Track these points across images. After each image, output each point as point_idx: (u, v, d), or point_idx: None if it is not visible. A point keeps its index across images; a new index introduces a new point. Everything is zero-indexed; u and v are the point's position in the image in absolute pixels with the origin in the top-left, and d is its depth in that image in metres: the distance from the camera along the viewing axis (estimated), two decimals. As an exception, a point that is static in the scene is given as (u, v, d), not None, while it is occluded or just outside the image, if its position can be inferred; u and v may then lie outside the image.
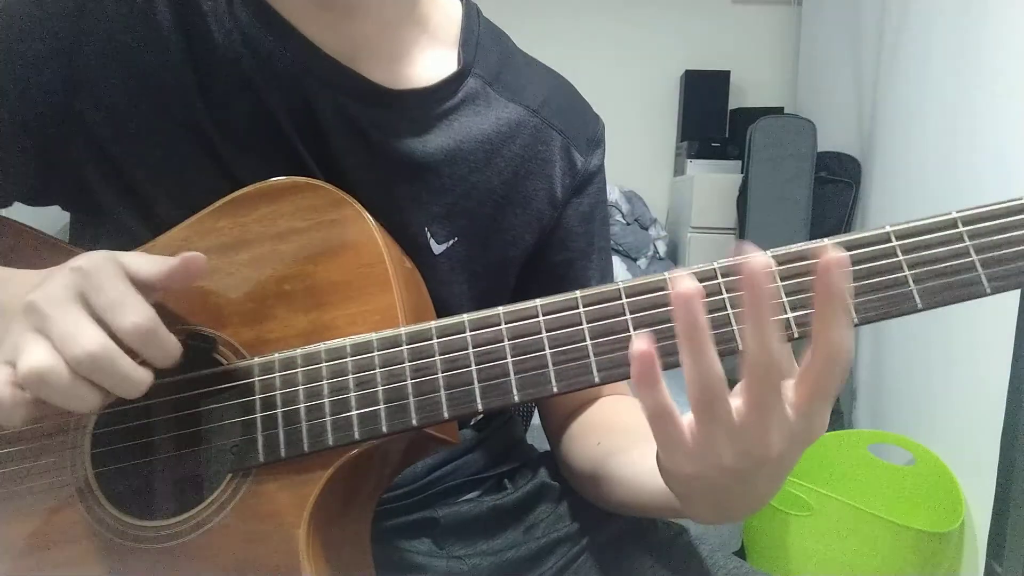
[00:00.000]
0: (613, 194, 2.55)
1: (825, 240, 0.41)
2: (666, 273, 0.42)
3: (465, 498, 0.65)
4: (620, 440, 0.58)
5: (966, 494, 1.44)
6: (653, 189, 2.77)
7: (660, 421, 0.38)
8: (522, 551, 0.62)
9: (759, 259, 0.34)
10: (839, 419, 1.96)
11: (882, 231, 0.40)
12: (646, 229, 2.56)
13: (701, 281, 0.41)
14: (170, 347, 0.42)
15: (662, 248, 2.57)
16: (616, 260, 2.43)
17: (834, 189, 2.13)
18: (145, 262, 0.43)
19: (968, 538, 1.44)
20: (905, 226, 0.40)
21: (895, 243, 0.40)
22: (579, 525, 0.64)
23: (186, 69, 0.53)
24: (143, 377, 0.41)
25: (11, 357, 0.40)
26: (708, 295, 0.40)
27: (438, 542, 0.62)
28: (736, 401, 0.37)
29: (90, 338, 0.39)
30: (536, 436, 0.74)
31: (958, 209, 0.40)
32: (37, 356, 0.39)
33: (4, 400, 0.39)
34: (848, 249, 0.40)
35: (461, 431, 0.66)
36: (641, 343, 0.35)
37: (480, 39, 0.62)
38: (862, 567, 1.42)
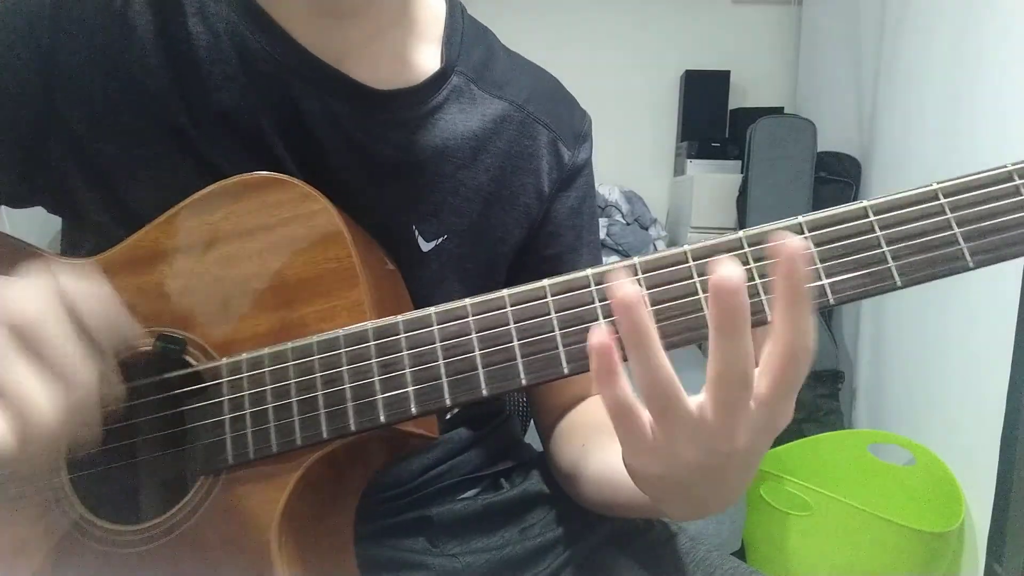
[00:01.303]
0: (613, 194, 2.54)
1: (798, 217, 0.39)
2: (635, 258, 0.41)
3: (461, 497, 0.65)
4: (601, 439, 0.58)
5: (966, 494, 1.44)
6: (653, 189, 2.77)
7: (621, 417, 0.37)
8: (517, 550, 0.62)
9: (732, 270, 0.32)
10: (839, 419, 1.96)
11: (859, 206, 0.39)
12: (646, 229, 2.56)
13: (671, 266, 0.40)
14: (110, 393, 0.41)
15: (662, 248, 2.56)
16: (616, 260, 2.42)
17: (834, 189, 2.13)
18: (94, 309, 0.40)
19: (968, 538, 1.44)
20: (883, 200, 0.38)
21: (872, 218, 0.38)
22: (575, 526, 0.64)
23: (165, 69, 0.53)
24: (93, 428, 0.40)
25: None
26: (679, 280, 0.40)
27: (432, 541, 0.62)
28: (699, 398, 0.36)
29: (33, 392, 0.36)
30: (536, 437, 0.74)
31: (939, 181, 0.38)
32: None
33: None
34: (824, 226, 0.39)
35: (456, 430, 0.66)
36: (599, 335, 0.34)
37: (464, 36, 0.62)
38: (862, 567, 1.42)
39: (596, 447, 0.58)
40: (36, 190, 0.55)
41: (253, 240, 0.48)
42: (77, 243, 0.59)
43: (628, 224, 2.53)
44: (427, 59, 0.60)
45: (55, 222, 0.60)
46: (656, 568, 0.60)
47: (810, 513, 1.45)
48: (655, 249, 2.54)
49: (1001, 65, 1.37)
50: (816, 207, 1.91)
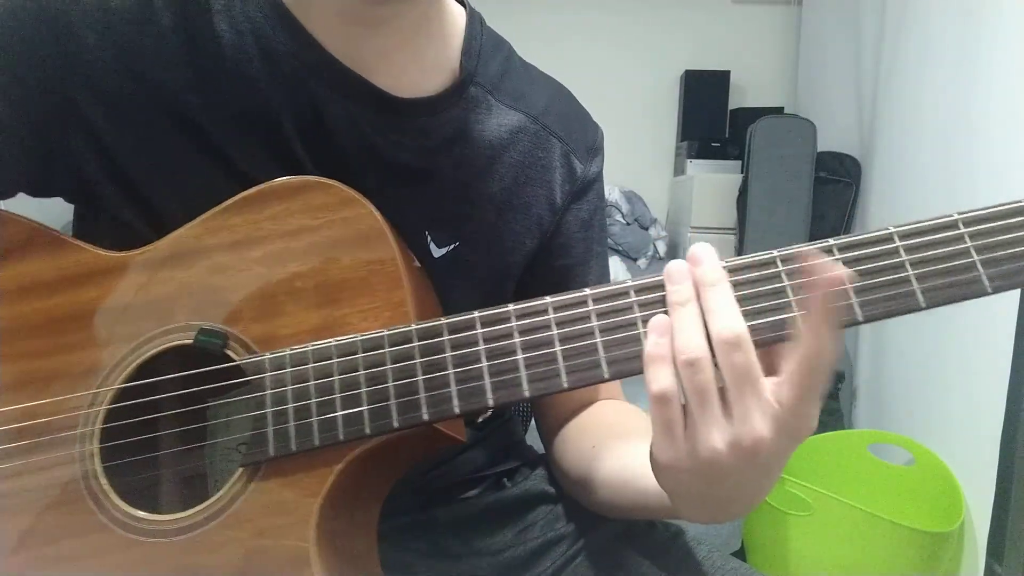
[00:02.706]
0: (613, 194, 2.55)
1: (830, 240, 0.42)
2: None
3: (463, 496, 0.65)
4: (612, 442, 0.59)
5: (966, 494, 1.44)
6: (653, 189, 2.77)
7: (662, 403, 0.40)
8: (519, 551, 0.62)
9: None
10: (839, 419, 1.96)
11: (885, 232, 0.41)
12: (646, 229, 2.56)
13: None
14: None
15: (662, 248, 2.57)
16: (616, 260, 2.43)
17: (834, 189, 2.13)
18: None
19: (968, 538, 1.44)
20: (908, 227, 0.41)
21: (898, 243, 0.41)
22: (576, 526, 0.64)
23: (185, 66, 0.53)
24: None
25: None
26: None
27: (435, 541, 0.62)
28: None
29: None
30: (536, 437, 0.74)
31: (959, 211, 0.41)
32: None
33: None
34: (851, 248, 0.41)
35: (459, 429, 0.66)
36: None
37: (483, 48, 0.63)
38: (862, 567, 1.42)
39: (608, 449, 0.58)
40: (57, 180, 0.55)
41: (297, 240, 0.49)
42: (90, 234, 0.59)
43: (628, 224, 2.53)
44: (447, 69, 0.60)
45: (60, 216, 0.60)
46: (660, 565, 0.60)
47: (810, 513, 1.45)
48: (655, 249, 2.54)
49: (1001, 65, 1.38)
50: (816, 207, 1.91)
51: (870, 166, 2.04)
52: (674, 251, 2.64)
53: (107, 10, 0.52)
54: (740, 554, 1.63)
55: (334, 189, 0.50)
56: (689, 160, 2.59)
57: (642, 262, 2.48)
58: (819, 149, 2.11)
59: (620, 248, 2.45)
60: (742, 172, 2.26)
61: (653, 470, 0.44)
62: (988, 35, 1.42)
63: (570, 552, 0.62)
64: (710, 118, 2.69)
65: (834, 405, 1.97)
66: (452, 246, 0.60)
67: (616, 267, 2.38)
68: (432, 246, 0.59)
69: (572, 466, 0.63)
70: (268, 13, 0.54)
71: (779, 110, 2.54)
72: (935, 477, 1.50)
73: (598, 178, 0.69)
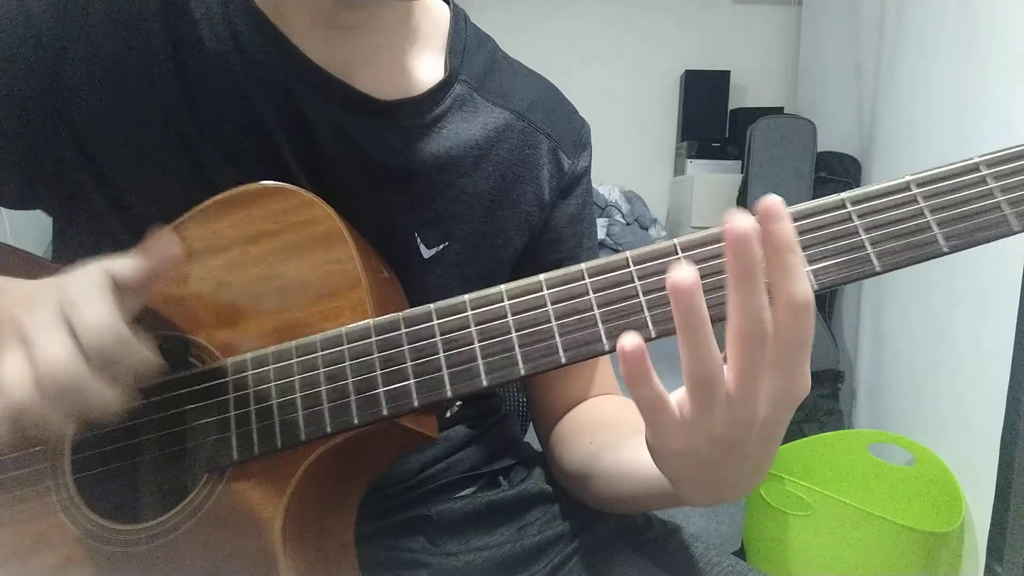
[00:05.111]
0: (613, 194, 2.54)
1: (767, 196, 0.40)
2: (627, 252, 0.42)
3: (459, 495, 0.65)
4: (611, 436, 0.58)
5: (966, 494, 1.44)
6: (653, 189, 2.77)
7: (654, 411, 0.38)
8: (516, 548, 0.62)
9: (743, 220, 0.34)
10: (839, 419, 1.96)
11: (837, 197, 0.41)
12: (646, 229, 2.56)
13: (663, 256, 0.42)
14: (141, 361, 0.41)
15: (662, 248, 2.57)
16: (616, 260, 2.43)
17: (834, 189, 2.12)
18: (126, 261, 0.43)
19: (968, 538, 1.44)
20: (859, 192, 0.41)
21: (850, 208, 0.40)
22: (573, 524, 0.64)
23: (172, 77, 0.53)
24: (110, 397, 0.40)
25: None
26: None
27: (431, 539, 0.62)
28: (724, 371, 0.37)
29: (57, 349, 0.38)
30: (535, 437, 0.74)
31: (911, 172, 0.40)
32: (11, 370, 0.38)
33: None
34: (804, 216, 0.41)
35: (454, 428, 0.66)
36: (631, 338, 0.34)
37: (467, 45, 0.63)
38: (862, 567, 1.42)
39: (606, 444, 0.58)
40: (39, 193, 0.56)
41: (257, 245, 0.49)
42: (73, 247, 0.59)
43: (628, 224, 2.53)
44: (431, 68, 0.60)
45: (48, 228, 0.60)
46: (657, 563, 0.60)
47: (810, 513, 1.45)
48: (655, 249, 2.54)
49: (1001, 64, 1.37)
50: (816, 207, 1.87)
51: (870, 166, 2.04)
52: (674, 251, 2.63)
53: (92, 22, 0.52)
54: (740, 554, 1.62)
55: (293, 194, 0.50)
56: (689, 160, 2.59)
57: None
58: (819, 149, 2.11)
59: (620, 248, 2.44)
60: (742, 172, 2.26)
61: (652, 457, 0.43)
62: (987, 35, 1.42)
63: (567, 550, 0.62)
64: (710, 118, 2.68)
65: (834, 405, 1.97)
66: (442, 246, 0.60)
67: (616, 267, 2.38)
68: (422, 247, 0.59)
69: (570, 462, 0.63)
70: (248, 20, 0.54)
71: (779, 110, 2.53)
72: (935, 477, 1.50)
73: (586, 173, 0.68)
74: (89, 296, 0.40)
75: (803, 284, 0.35)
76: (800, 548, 1.50)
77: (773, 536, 1.53)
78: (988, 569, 1.35)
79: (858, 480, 1.60)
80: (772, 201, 0.35)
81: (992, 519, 1.33)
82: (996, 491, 1.32)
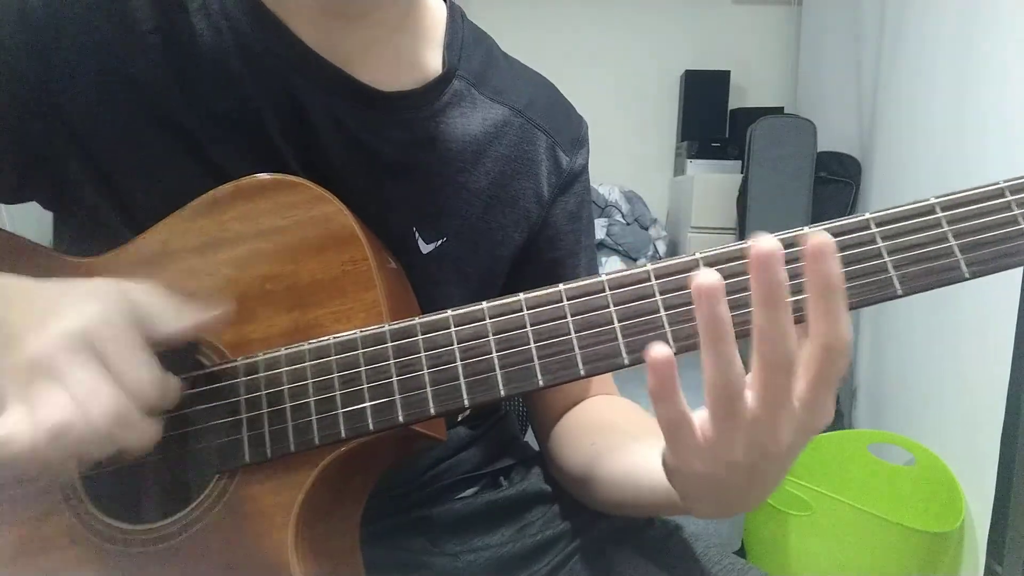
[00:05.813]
0: (613, 194, 2.55)
1: (804, 228, 0.40)
2: (648, 265, 0.42)
3: (460, 496, 0.65)
4: (614, 439, 0.58)
5: (966, 494, 1.44)
6: (653, 189, 2.77)
7: (676, 431, 0.37)
8: (517, 548, 0.62)
9: (768, 241, 0.33)
10: (839, 419, 1.96)
11: (861, 218, 0.40)
12: (646, 229, 2.56)
13: (686, 271, 0.41)
14: (175, 394, 0.43)
15: (662, 248, 2.57)
16: (616, 260, 2.43)
17: (834, 189, 2.13)
18: (168, 320, 0.43)
19: (968, 538, 1.44)
20: (884, 213, 0.40)
21: (874, 230, 0.40)
22: (573, 524, 0.64)
23: (165, 65, 0.52)
24: (154, 433, 0.41)
25: (25, 404, 0.38)
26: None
27: (432, 540, 0.62)
28: (747, 394, 0.36)
29: (110, 399, 0.38)
30: (534, 437, 0.74)
31: (936, 195, 0.40)
32: (59, 412, 0.38)
33: (24, 450, 0.37)
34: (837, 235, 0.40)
35: (455, 429, 0.66)
36: (661, 349, 0.34)
37: (464, 41, 0.62)
38: (862, 567, 1.42)
39: (609, 447, 0.58)
40: (34, 185, 0.55)
41: (266, 241, 0.48)
42: (70, 239, 0.59)
43: (628, 224, 2.53)
44: (429, 62, 0.60)
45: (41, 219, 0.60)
46: (657, 562, 0.60)
47: (810, 513, 1.45)
48: (655, 249, 2.54)
49: (1002, 64, 1.37)
50: (816, 207, 1.90)
51: (870, 166, 2.04)
52: (674, 251, 2.63)
53: (83, 12, 0.52)
54: (740, 553, 1.62)
55: (303, 187, 0.49)
56: (689, 160, 2.59)
57: (642, 262, 2.47)
58: (819, 149, 2.11)
59: (620, 248, 2.44)
60: (742, 172, 2.26)
61: (667, 474, 0.43)
62: (987, 35, 1.42)
63: (568, 550, 0.62)
64: (710, 118, 2.69)
65: (834, 404, 1.97)
66: (440, 242, 0.59)
67: (616, 267, 2.38)
68: (420, 242, 0.59)
69: (570, 463, 0.63)
70: (246, 9, 0.54)
71: (779, 110, 2.54)
72: (935, 477, 1.50)
73: (584, 170, 0.68)
74: (127, 355, 0.40)
75: (844, 328, 0.34)
76: (800, 548, 1.49)
77: (773, 536, 1.53)
78: (988, 569, 1.35)
79: (858, 480, 1.60)
80: (824, 240, 0.33)
81: (992, 519, 1.33)
82: (996, 491, 1.32)
